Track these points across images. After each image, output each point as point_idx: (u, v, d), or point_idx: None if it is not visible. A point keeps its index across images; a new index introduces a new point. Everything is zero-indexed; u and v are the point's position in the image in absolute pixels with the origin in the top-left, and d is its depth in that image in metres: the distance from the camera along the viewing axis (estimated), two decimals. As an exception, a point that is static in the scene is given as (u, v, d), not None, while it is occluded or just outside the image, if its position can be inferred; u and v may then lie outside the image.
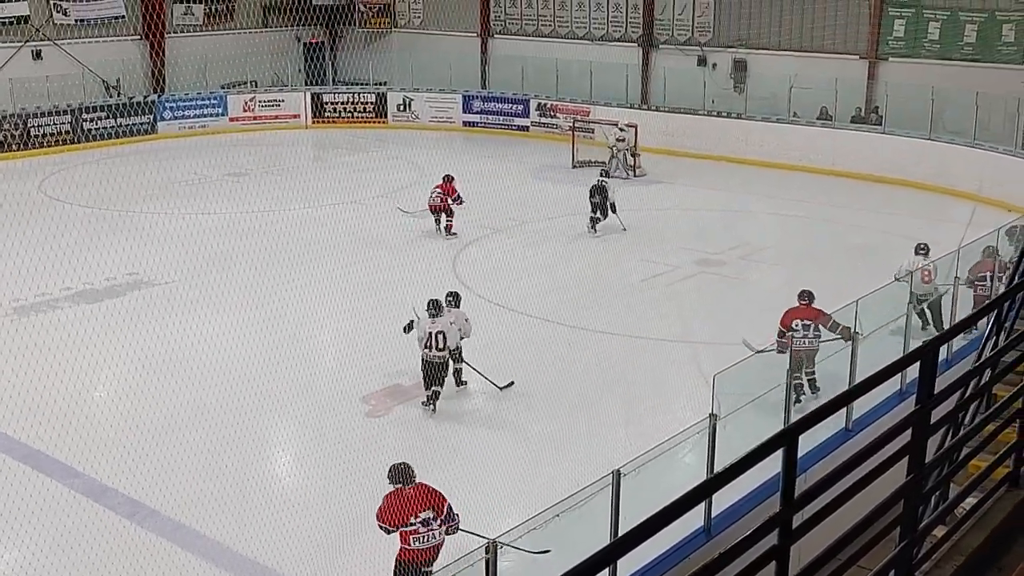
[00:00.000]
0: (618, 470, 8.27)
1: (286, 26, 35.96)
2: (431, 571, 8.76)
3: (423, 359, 12.89)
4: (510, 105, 32.52)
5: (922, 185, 24.46)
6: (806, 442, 4.29)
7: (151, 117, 31.21)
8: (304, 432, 12.70)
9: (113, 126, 30.11)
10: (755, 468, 3.94)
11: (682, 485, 3.80)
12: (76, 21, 31.68)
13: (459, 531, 8.88)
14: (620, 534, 7.48)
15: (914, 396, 4.91)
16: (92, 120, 29.89)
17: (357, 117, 33.45)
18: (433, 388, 12.81)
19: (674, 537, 8.78)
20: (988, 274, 14.59)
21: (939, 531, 5.29)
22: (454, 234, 20.95)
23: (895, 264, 17.70)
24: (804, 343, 12.60)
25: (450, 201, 20.85)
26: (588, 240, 20.69)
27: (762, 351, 12.14)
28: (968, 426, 6.37)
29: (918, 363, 4.77)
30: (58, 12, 31.34)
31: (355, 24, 37.15)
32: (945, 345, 11.07)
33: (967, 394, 6.13)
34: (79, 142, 29.37)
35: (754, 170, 26.66)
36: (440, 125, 32.46)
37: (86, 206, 22.40)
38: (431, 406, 12.84)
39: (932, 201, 23.46)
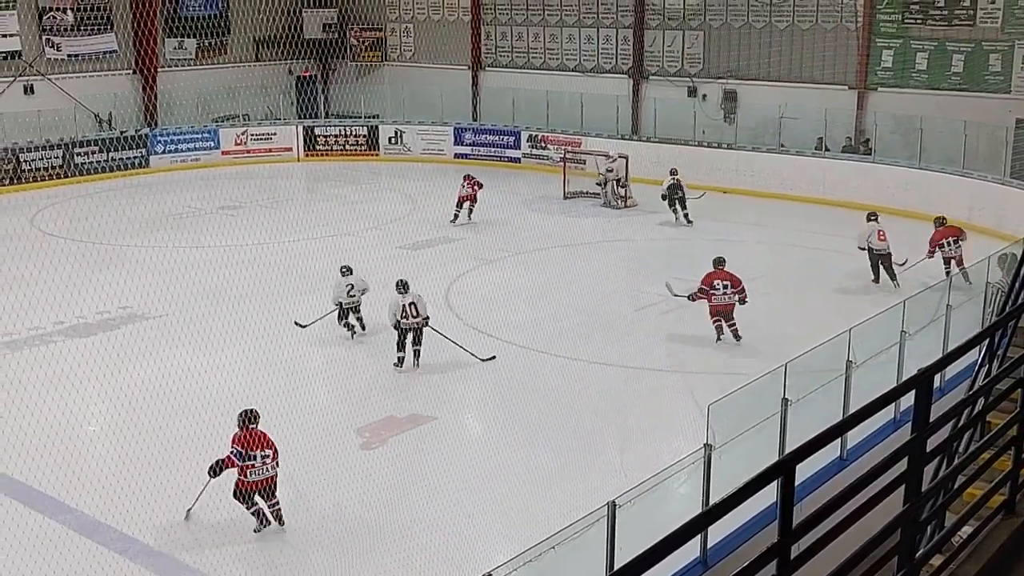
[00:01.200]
0: (613, 501, 8.26)
1: (278, 60, 36.17)
2: (276, 501, 10.86)
3: (401, 327, 15.34)
4: (501, 137, 32.65)
5: (912, 213, 24.56)
6: (800, 471, 4.29)
7: (144, 151, 31.24)
8: (299, 465, 12.62)
9: (105, 160, 30.10)
10: (750, 497, 3.95)
11: (678, 516, 3.80)
12: (68, 56, 31.81)
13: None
14: (616, 566, 7.46)
15: (908, 424, 4.93)
16: (84, 154, 29.91)
17: (349, 150, 33.55)
18: (399, 355, 15.35)
19: (671, 568, 8.76)
20: (945, 241, 19.13)
21: (936, 560, 5.28)
22: (472, 221, 24.39)
23: (886, 292, 17.84)
24: (724, 299, 16.30)
25: (477, 190, 24.56)
26: (581, 271, 20.72)
27: (679, 295, 16.68)
28: (963, 454, 6.39)
29: (912, 391, 4.79)
30: (50, 47, 31.45)
31: (347, 58, 37.37)
32: (938, 373, 11.11)
33: (961, 423, 6.14)
34: (71, 176, 29.39)
35: (745, 200, 26.77)
36: (432, 157, 32.57)
37: (79, 240, 22.38)
38: (400, 366, 15.33)
39: (922, 229, 23.54)
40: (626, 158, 26.97)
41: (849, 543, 4.39)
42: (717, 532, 9.06)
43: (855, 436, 11.11)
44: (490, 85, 34.91)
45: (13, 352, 15.90)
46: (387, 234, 23.22)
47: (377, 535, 10.85)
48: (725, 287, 16.30)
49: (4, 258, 18.47)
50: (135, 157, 30.94)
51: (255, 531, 10.87)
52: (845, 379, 11.35)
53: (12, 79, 30.57)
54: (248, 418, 10.99)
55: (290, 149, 33.35)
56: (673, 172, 24.79)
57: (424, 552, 10.30)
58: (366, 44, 37.70)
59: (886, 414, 11.34)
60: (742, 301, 16.30)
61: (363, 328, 17.02)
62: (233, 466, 10.72)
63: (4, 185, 28.18)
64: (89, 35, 32.15)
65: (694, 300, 16.50)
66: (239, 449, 10.76)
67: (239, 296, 18.19)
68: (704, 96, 30.59)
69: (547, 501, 11.28)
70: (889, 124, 26.49)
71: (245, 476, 10.73)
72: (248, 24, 34.61)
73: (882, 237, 19.27)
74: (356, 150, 33.52)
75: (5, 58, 30.57)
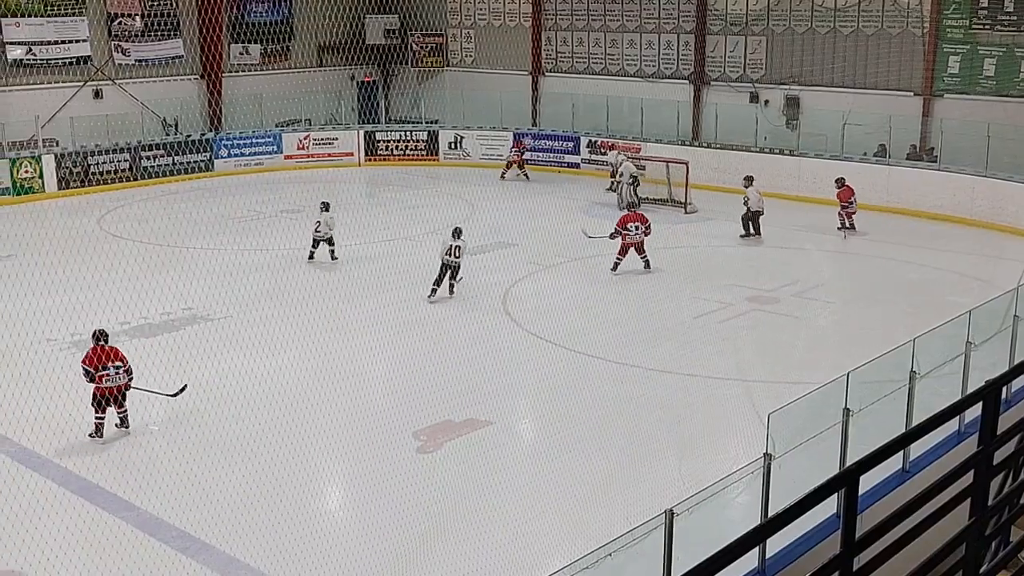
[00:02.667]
0: (671, 510, 8.19)
1: (341, 65, 36.55)
2: (125, 409, 13.12)
3: (443, 263, 19.00)
4: (561, 142, 32.65)
5: (978, 222, 24.16)
6: (861, 482, 4.18)
7: (208, 155, 31.72)
8: (356, 467, 12.74)
9: (171, 163, 30.65)
10: (812, 508, 3.89)
11: (736, 525, 3.76)
12: (136, 61, 32.42)
13: (133, 387, 13.23)
14: (673, 575, 7.40)
15: (972, 437, 4.83)
16: (150, 157, 30.44)
17: (409, 155, 33.77)
18: (432, 286, 18.91)
19: (728, 579, 8.65)
20: (852, 199, 23.86)
21: (1002, 576, 5.17)
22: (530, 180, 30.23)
23: (951, 301, 17.52)
24: (637, 237, 20.46)
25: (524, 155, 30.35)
26: (638, 277, 20.63)
27: (595, 237, 20.63)
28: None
29: (979, 403, 4.69)
30: (118, 52, 32.09)
31: (408, 63, 37.62)
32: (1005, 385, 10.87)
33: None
34: (138, 179, 29.95)
35: (807, 206, 26.48)
36: (491, 162, 32.64)
37: (144, 242, 22.80)
38: (432, 295, 18.91)
39: (988, 238, 23.16)
40: (686, 164, 26.84)
41: (912, 557, 4.31)
42: (776, 542, 8.93)
43: (918, 448, 10.89)
44: (550, 90, 34.92)
45: (79, 352, 16.13)
46: (446, 238, 23.28)
47: (433, 539, 10.89)
48: (637, 227, 20.42)
49: (72, 259, 18.84)
50: (199, 161, 31.43)
51: (90, 435, 12.84)
52: (909, 390, 11.14)
53: (82, 84, 31.23)
54: (97, 337, 13.21)
55: (351, 154, 33.64)
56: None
57: (479, 557, 10.31)
58: (427, 50, 37.93)
59: (950, 426, 11.10)
60: (647, 232, 20.55)
61: (333, 258, 21.38)
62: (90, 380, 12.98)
63: (73, 187, 28.78)
64: (156, 41, 32.75)
65: (613, 238, 20.46)
66: (87, 368, 12.96)
67: (299, 298, 18.39)
68: (766, 102, 30.32)
69: (604, 508, 11.23)
70: (955, 131, 26.03)
71: (100, 383, 12.89)
72: (311, 30, 35.05)
73: (760, 200, 23.70)
74: (416, 155, 33.72)
75: (75, 63, 31.24)
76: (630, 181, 26.68)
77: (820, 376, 12.40)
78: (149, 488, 11.72)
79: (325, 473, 12.84)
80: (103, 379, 12.94)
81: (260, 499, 11.40)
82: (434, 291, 18.90)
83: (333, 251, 21.38)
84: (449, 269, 19.06)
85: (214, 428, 13.17)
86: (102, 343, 13.18)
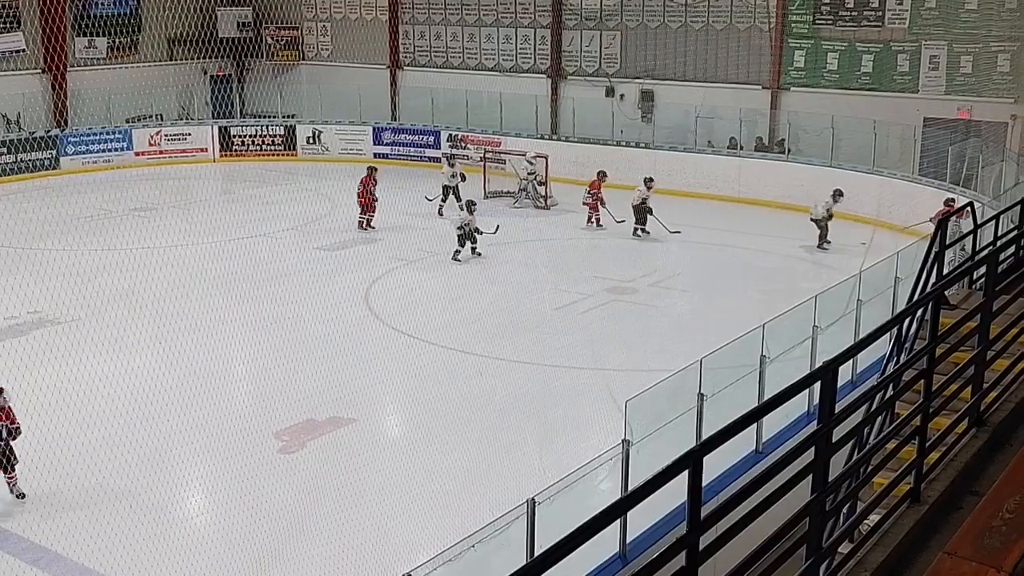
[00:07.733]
0: (532, 499, 8.30)
1: (192, 59, 35.56)
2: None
3: (459, 234, 21.31)
4: (421, 136, 32.56)
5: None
6: (718, 465, 4.30)
7: (53, 152, 30.52)
8: (216, 469, 12.48)
9: (14, 162, 29.38)
10: (672, 493, 4.00)
11: (598, 511, 3.81)
12: (-27, 55, 30.98)
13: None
14: (535, 562, 7.49)
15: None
16: (-9, 156, 29.14)
17: (266, 150, 33.16)
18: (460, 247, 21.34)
19: (591, 563, 8.84)
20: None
21: (845, 547, 5.39)
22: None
23: (800, 287, 18.17)
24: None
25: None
26: (500, 270, 20.78)
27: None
28: (872, 443, 6.53)
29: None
30: (-46, 46, 30.61)
31: (263, 56, 36.90)
32: (850, 363, 11.36)
33: (872, 410, 6.28)
34: (-22, 178, 28.62)
35: (662, 198, 27.01)
36: (350, 157, 32.31)
37: (-15, 244, 21.79)
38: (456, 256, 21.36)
39: (834, 226, 24.05)
40: (546, 158, 27.10)
41: (759, 534, 4.46)
42: (637, 527, 9.15)
43: (771, 430, 11.31)
44: (409, 85, 34.78)
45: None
46: (305, 235, 23.02)
47: (296, 539, 10.77)
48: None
49: (-94, 263, 17.91)
50: (44, 158, 30.24)
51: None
52: (759, 374, 11.53)
53: (-86, 79, 29.67)
54: None
55: (205, 150, 32.84)
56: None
57: (344, 554, 10.24)
58: (282, 43, 37.28)
59: (801, 407, 11.58)
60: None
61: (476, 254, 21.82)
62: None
63: (-93, 188, 27.33)
64: (-5, 34, 31.33)
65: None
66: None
67: (153, 299, 17.88)
68: (622, 96, 30.84)
69: (468, 501, 11.29)
70: (802, 123, 26.99)
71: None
72: (160, 22, 33.98)
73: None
74: (273, 150, 33.15)
75: (-94, 57, 29.68)
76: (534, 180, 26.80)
77: (677, 363, 12.72)
78: (-5, 500, 11.25)
79: (184, 477, 12.53)
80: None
81: (116, 507, 11.07)
82: (457, 252, 21.10)
83: (476, 248, 21.57)
84: (467, 238, 21.29)
85: (65, 435, 12.67)
86: None
